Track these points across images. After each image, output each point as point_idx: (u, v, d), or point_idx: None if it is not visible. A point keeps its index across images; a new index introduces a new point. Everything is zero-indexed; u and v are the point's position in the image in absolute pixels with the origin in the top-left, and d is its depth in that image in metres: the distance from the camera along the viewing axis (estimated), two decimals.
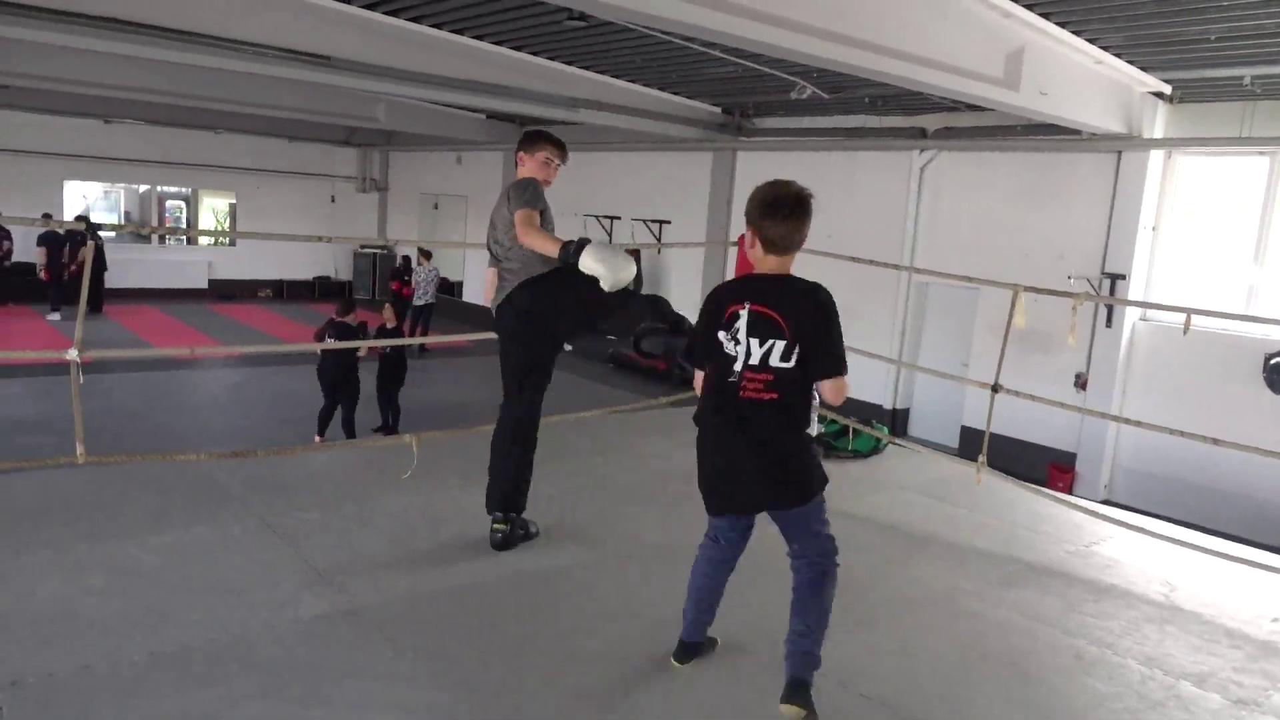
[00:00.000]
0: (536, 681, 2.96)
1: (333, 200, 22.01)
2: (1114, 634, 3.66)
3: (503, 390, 3.98)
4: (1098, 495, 9.42)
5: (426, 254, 15.64)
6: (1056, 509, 5.24)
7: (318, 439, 9.30)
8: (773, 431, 2.72)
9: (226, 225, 21.14)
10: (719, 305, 2.75)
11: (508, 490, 3.93)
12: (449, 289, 20.09)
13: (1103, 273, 9.80)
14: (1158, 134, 9.36)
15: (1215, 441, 5.01)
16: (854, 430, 6.00)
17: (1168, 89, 8.98)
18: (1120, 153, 9.61)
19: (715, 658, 3.14)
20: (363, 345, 9.25)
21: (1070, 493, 8.58)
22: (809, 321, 2.68)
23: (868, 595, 3.83)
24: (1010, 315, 5.07)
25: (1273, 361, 8.69)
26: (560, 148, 4.00)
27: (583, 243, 3.47)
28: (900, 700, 3.03)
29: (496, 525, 3.94)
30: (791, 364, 2.66)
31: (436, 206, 20.64)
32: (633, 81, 11.62)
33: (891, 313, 11.87)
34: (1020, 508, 5.25)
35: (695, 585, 2.99)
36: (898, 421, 11.87)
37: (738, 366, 2.69)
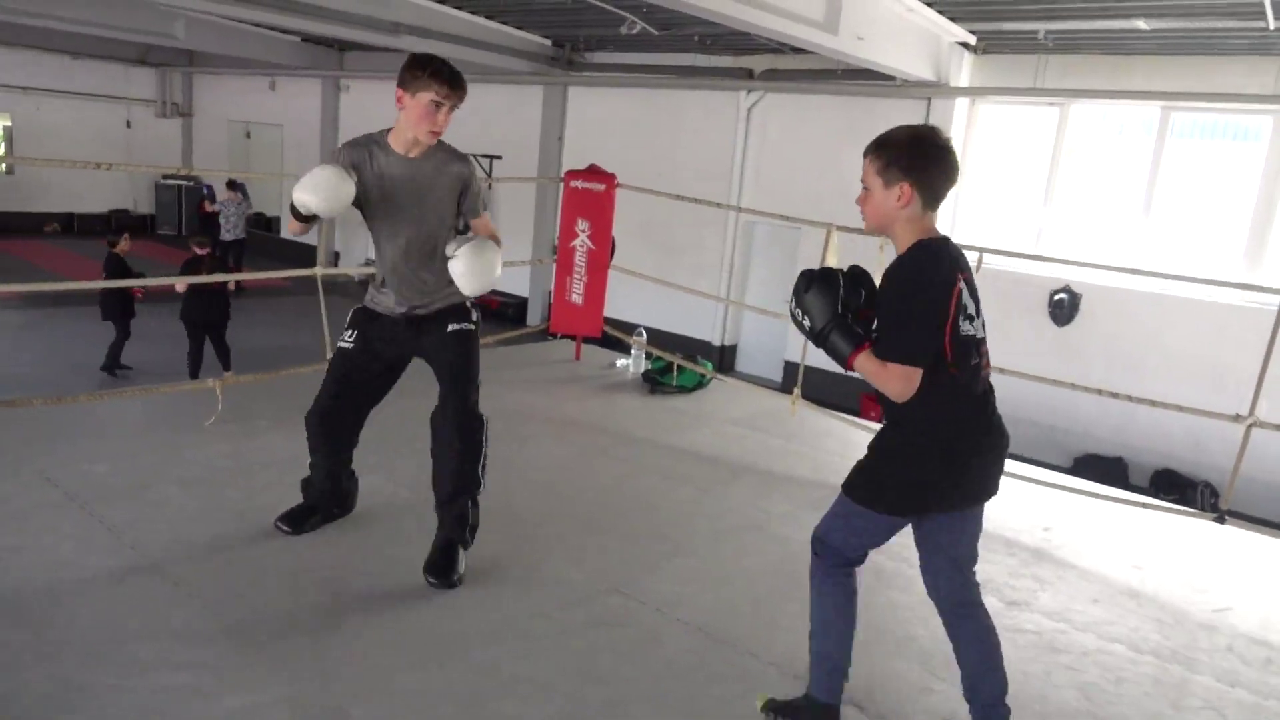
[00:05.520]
0: (352, 632, 2.87)
1: (128, 126, 20.07)
2: (910, 549, 3.92)
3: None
4: None
5: (233, 186, 14.59)
6: (866, 436, 5.52)
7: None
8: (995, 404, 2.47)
9: (1, 151, 18.85)
10: (948, 287, 2.35)
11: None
12: (265, 224, 18.91)
13: None
14: (963, 83, 9.92)
15: (1001, 370, 5.43)
16: (678, 367, 6.12)
17: (972, 39, 9.50)
18: (930, 100, 10.11)
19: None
20: (179, 281, 8.60)
21: (880, 421, 9.13)
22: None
23: (686, 525, 3.95)
24: (824, 253, 5.26)
25: (1056, 297, 9.52)
26: (450, 83, 2.94)
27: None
28: (715, 624, 3.15)
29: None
30: None
31: (249, 135, 19.23)
32: (459, 7, 11.13)
33: (720, 251, 12.13)
34: (833, 436, 5.54)
35: (847, 629, 2.57)
36: (726, 357, 12.24)
37: (979, 347, 2.41)
